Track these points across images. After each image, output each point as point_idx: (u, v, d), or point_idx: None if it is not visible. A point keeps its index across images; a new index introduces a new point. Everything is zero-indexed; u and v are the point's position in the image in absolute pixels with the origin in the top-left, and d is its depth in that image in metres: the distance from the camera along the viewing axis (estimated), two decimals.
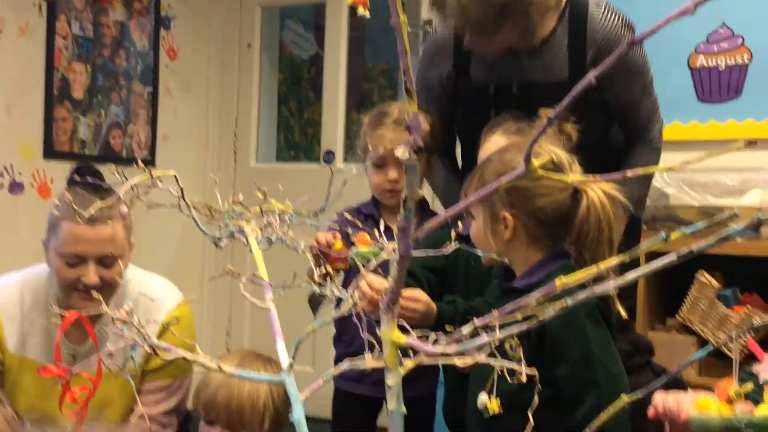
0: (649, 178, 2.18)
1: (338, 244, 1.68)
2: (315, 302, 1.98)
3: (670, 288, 2.82)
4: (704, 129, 3.07)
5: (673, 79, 3.08)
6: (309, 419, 1.01)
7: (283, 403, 1.83)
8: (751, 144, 0.56)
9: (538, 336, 1.54)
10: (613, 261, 0.65)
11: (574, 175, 1.56)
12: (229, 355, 1.91)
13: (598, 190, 1.55)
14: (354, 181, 1.84)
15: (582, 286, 0.66)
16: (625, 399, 0.77)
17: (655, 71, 3.07)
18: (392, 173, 2.18)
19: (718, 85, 3.06)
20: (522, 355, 1.47)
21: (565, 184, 1.57)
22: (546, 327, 1.53)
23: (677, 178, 2.86)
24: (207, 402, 1.80)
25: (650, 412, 1.11)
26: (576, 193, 1.56)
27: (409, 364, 0.83)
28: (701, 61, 3.10)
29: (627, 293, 2.18)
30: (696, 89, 3.11)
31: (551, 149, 1.60)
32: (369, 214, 2.21)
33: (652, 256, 0.63)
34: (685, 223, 2.67)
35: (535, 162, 0.65)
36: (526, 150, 0.64)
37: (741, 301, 2.73)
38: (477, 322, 0.76)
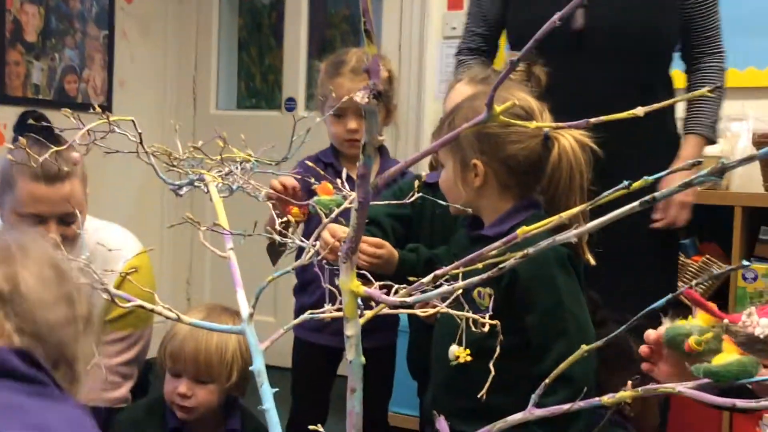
0: (722, 99, 2.18)
1: (295, 210, 1.67)
2: (274, 251, 1.96)
3: None
4: None
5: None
6: (271, 368, 1.01)
7: (251, 356, 1.82)
8: (717, 89, 0.55)
9: (510, 284, 1.53)
10: (575, 210, 0.64)
11: (540, 122, 1.55)
12: (196, 308, 1.89)
13: (570, 137, 1.54)
14: (317, 129, 1.81)
15: (548, 235, 0.65)
16: (584, 348, 0.76)
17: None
18: (351, 123, 2.15)
19: None
20: (491, 304, 1.48)
21: (536, 131, 1.56)
22: (517, 275, 1.53)
23: None
24: (174, 353, 1.79)
25: (642, 350, 1.12)
26: (547, 140, 1.55)
27: (368, 314, 0.82)
28: None
29: None
30: None
31: (522, 96, 1.58)
32: (329, 163, 2.18)
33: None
34: None
35: (497, 108, 0.64)
36: (489, 95, 0.62)
37: (700, 251, 2.77)
38: (439, 271, 0.75)
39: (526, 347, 1.51)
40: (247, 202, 1.28)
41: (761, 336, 0.61)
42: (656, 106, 0.56)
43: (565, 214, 0.68)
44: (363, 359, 0.74)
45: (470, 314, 0.71)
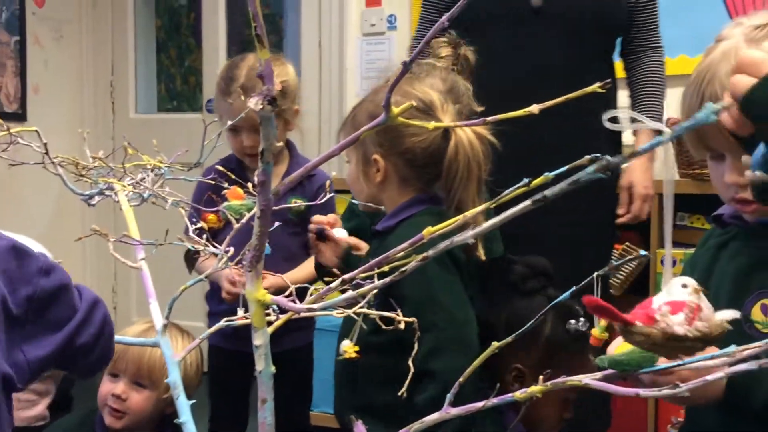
0: (664, 88, 2.27)
1: (212, 217, 1.66)
2: (191, 259, 1.93)
3: None
4: None
5: (702, 11, 3.06)
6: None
7: (194, 372, 1.81)
8: (607, 85, 0.55)
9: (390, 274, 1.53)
10: (478, 209, 0.64)
11: (446, 118, 1.55)
12: (142, 321, 1.87)
13: (468, 129, 1.54)
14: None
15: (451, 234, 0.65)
16: (495, 344, 0.76)
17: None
18: (247, 140, 2.15)
19: None
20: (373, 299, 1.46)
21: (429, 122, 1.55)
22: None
23: None
24: (116, 353, 1.76)
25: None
26: (446, 133, 1.55)
27: (277, 322, 0.81)
28: None
29: None
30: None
31: (424, 90, 1.58)
32: (231, 170, 2.15)
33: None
34: None
35: (395, 109, 0.63)
36: (385, 96, 0.62)
37: (619, 238, 2.82)
38: (347, 275, 0.74)
39: (404, 342, 1.51)
40: (165, 209, 1.26)
41: (682, 333, 0.62)
42: (578, 93, 0.57)
43: (468, 213, 0.68)
44: (273, 368, 0.73)
45: (365, 310, 0.70)
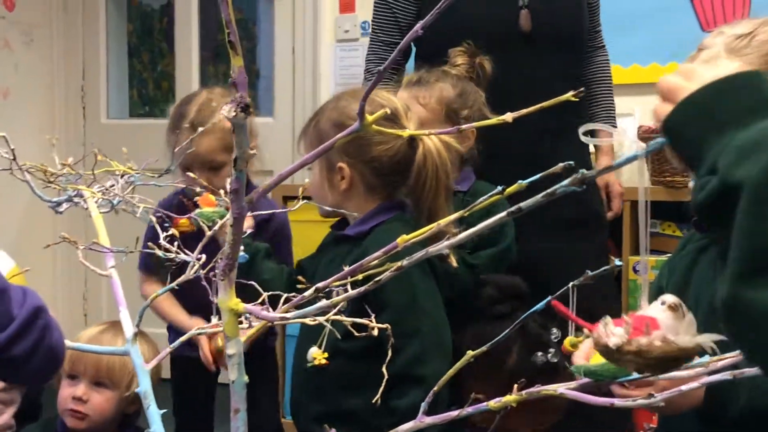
0: (612, 86, 2.39)
1: (184, 221, 1.64)
2: (162, 267, 1.90)
3: None
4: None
5: (648, 22, 3.04)
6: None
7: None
8: (580, 93, 0.55)
9: (363, 281, 1.52)
10: (451, 217, 0.64)
11: (410, 125, 1.56)
12: (99, 325, 1.86)
13: (434, 138, 1.54)
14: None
15: (422, 243, 0.65)
16: (470, 353, 0.76)
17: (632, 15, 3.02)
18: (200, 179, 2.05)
19: None
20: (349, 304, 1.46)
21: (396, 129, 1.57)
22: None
23: None
24: (74, 355, 1.74)
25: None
26: (412, 141, 1.55)
27: (251, 332, 0.80)
28: None
29: None
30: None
31: (387, 97, 1.60)
32: (171, 211, 2.06)
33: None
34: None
35: (369, 117, 0.63)
36: (360, 104, 0.61)
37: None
38: (320, 284, 0.74)
39: (379, 347, 1.50)
40: (136, 216, 1.24)
41: (613, 346, 0.62)
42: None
43: (442, 222, 0.68)
44: (246, 378, 0.72)
45: (339, 317, 0.70)
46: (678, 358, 0.62)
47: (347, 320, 0.96)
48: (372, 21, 2.30)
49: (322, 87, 3.52)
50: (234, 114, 0.60)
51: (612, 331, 0.60)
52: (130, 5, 4.31)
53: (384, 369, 1.45)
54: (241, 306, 0.70)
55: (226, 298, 0.70)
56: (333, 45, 3.51)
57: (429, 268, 1.55)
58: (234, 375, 0.71)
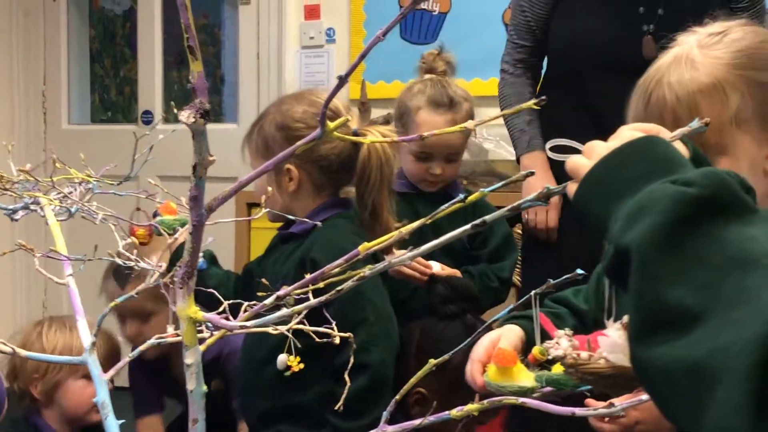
0: None
1: (141, 232, 1.63)
2: (121, 275, 1.89)
3: None
4: None
5: (489, 35, 3.14)
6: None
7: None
8: (542, 102, 0.55)
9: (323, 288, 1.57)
10: (412, 226, 0.64)
11: (353, 123, 1.63)
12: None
13: (377, 133, 1.59)
14: (169, 143, 1.76)
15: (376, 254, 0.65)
16: (432, 362, 0.76)
17: (471, 28, 3.11)
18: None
19: None
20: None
21: (345, 131, 1.60)
22: (317, 265, 1.54)
23: (495, 134, 2.93)
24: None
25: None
26: (356, 137, 1.57)
27: (210, 340, 0.79)
28: None
29: None
30: None
31: (324, 96, 1.65)
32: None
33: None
34: (503, 177, 2.73)
35: (331, 124, 0.63)
36: (321, 111, 0.61)
37: None
38: (281, 292, 0.73)
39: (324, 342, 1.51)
40: (95, 224, 1.23)
41: (552, 357, 0.62)
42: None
43: (405, 229, 0.68)
44: (205, 387, 0.71)
45: (299, 326, 0.69)
46: (613, 375, 0.63)
47: (309, 329, 0.95)
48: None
49: (287, 93, 3.51)
50: (193, 120, 0.59)
51: (559, 345, 0.60)
52: (92, 10, 4.27)
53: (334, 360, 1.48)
54: (200, 314, 0.69)
55: (185, 306, 0.69)
56: (298, 51, 3.50)
57: (374, 260, 1.57)
58: (192, 384, 0.70)
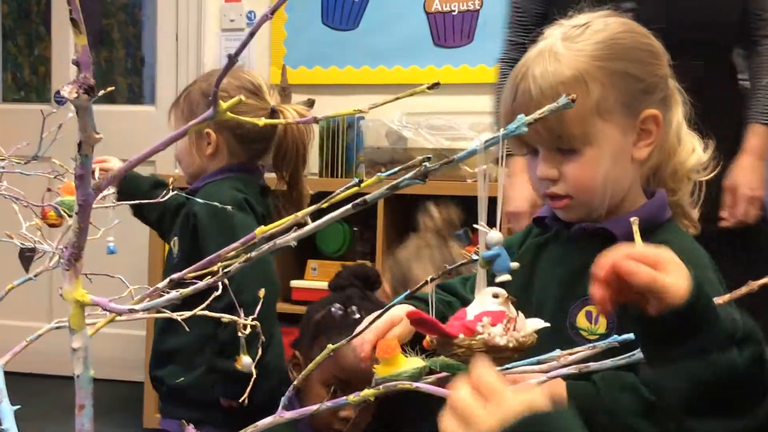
0: None
1: (52, 214, 1.59)
2: (25, 258, 1.83)
3: (408, 228, 2.90)
4: (440, 73, 3.15)
5: (411, 23, 3.15)
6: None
7: None
8: (434, 86, 0.55)
9: (193, 229, 1.74)
10: (309, 210, 0.63)
11: (272, 100, 1.74)
12: None
13: (294, 112, 1.73)
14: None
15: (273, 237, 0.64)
16: (330, 347, 0.75)
17: (393, 15, 3.10)
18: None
19: (452, 30, 3.16)
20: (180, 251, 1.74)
21: (263, 105, 1.73)
22: (197, 220, 1.73)
23: (414, 121, 2.93)
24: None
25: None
26: (273, 114, 1.72)
27: (99, 324, 0.77)
28: (436, 5, 3.18)
29: None
30: (432, 34, 3.18)
31: (253, 75, 1.79)
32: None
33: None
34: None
35: (223, 104, 0.62)
36: (212, 92, 0.60)
37: (472, 241, 2.87)
38: (175, 275, 0.71)
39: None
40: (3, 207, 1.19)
41: (509, 344, 0.62)
42: None
43: (300, 214, 0.67)
44: (92, 372, 0.69)
45: (205, 312, 0.68)
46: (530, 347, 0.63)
47: (215, 315, 0.94)
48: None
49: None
50: (76, 95, 0.57)
51: (493, 331, 0.60)
52: None
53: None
54: (88, 297, 0.67)
55: (72, 289, 0.67)
56: (218, 33, 3.45)
57: (250, 211, 1.74)
58: (79, 369, 0.68)
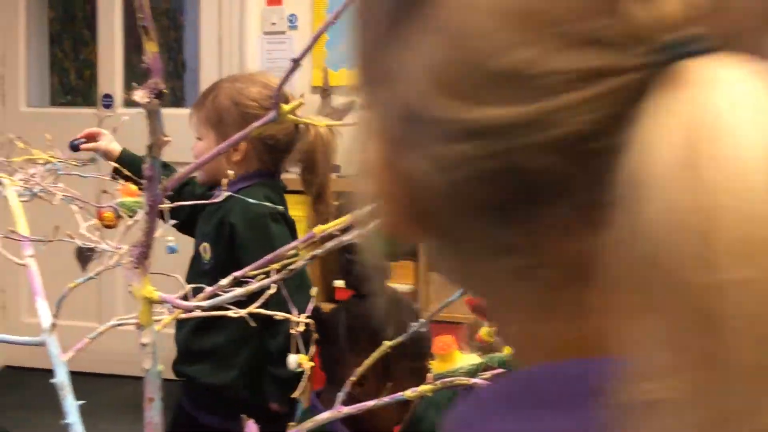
0: None
1: (108, 215, 1.62)
2: (83, 257, 1.87)
3: None
4: None
5: None
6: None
7: None
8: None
9: (230, 239, 1.73)
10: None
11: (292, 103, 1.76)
12: None
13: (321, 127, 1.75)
14: (132, 126, 1.76)
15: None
16: (387, 344, 0.77)
17: None
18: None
19: None
20: (211, 255, 1.75)
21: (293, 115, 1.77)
22: (234, 229, 1.73)
23: None
24: None
25: None
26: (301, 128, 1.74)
27: (166, 320, 0.80)
28: None
29: None
30: None
31: (276, 81, 1.76)
32: None
33: None
34: None
35: (285, 107, 0.63)
36: (275, 94, 0.62)
37: None
38: (237, 273, 0.74)
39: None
40: (55, 204, 1.22)
41: None
42: None
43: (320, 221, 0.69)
44: (161, 367, 0.72)
45: (257, 310, 0.70)
46: None
47: (267, 313, 0.96)
48: None
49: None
50: (147, 100, 0.59)
51: None
52: None
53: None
54: (156, 294, 0.69)
55: (140, 287, 0.69)
56: (260, 37, 3.49)
57: (283, 221, 1.75)
58: (148, 364, 0.70)
